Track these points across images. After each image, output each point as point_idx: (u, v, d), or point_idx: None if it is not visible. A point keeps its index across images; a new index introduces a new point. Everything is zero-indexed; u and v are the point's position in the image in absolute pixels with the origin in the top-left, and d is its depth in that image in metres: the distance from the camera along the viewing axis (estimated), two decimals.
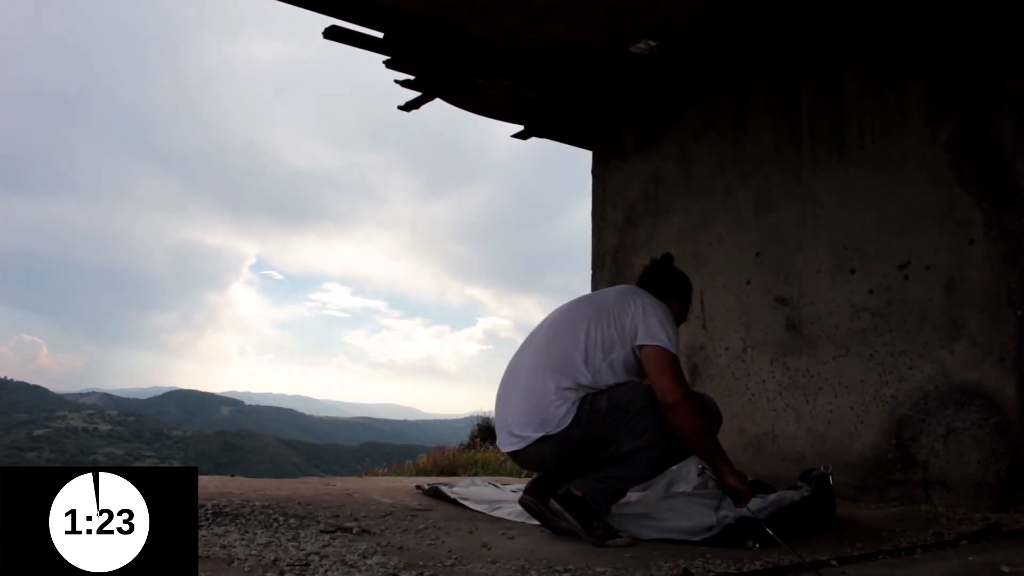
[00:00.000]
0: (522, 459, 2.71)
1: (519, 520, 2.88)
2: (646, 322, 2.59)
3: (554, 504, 2.48)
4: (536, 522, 2.73)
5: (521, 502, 2.73)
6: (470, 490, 3.52)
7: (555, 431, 2.54)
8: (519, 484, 3.73)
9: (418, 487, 3.82)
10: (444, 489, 3.55)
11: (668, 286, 2.86)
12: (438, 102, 5.21)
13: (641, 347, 2.56)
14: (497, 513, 3.06)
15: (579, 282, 6.03)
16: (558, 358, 2.62)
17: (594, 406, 2.55)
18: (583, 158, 5.86)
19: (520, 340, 3.03)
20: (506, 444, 2.70)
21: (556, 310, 2.87)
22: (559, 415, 2.54)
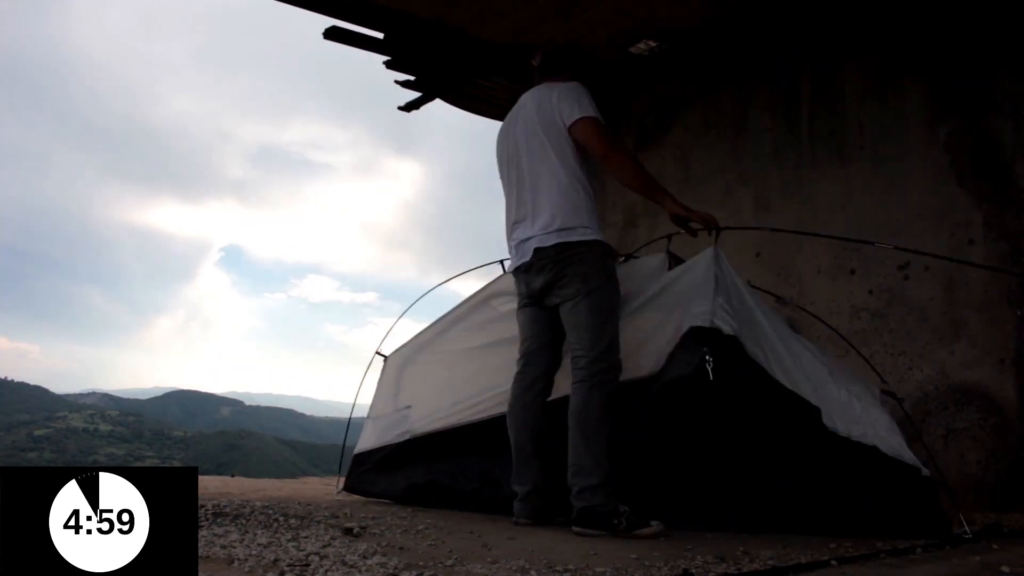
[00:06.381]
0: None
1: None
2: (560, 106, 2.71)
3: (576, 529, 2.57)
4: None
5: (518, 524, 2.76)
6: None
7: None
8: None
9: None
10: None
11: (556, 65, 2.91)
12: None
13: (570, 129, 2.68)
14: None
15: None
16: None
17: None
18: None
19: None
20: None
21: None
22: None
